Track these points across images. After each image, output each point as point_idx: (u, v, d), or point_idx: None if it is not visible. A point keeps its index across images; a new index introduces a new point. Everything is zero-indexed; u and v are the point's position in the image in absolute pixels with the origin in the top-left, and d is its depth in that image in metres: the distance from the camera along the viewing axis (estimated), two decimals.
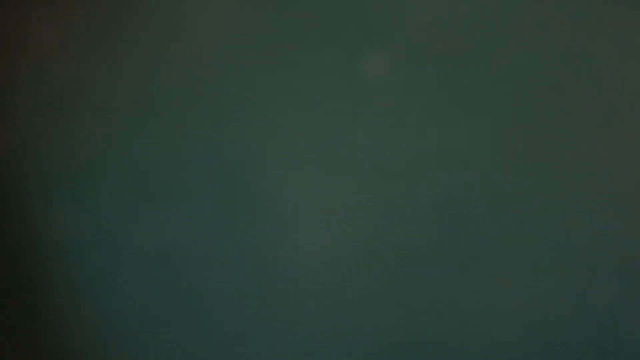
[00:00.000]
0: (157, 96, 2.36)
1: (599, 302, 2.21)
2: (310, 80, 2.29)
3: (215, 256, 2.36)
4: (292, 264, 2.33)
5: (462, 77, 2.22)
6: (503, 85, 2.20)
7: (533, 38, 2.18)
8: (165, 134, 2.36)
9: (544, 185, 2.21)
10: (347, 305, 2.32)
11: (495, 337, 2.26)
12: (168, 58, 2.34)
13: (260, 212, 2.33)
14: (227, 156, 2.33)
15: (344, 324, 2.32)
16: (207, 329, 2.38)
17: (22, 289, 2.46)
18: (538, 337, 2.24)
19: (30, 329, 2.46)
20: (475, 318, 2.26)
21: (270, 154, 2.32)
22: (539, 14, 2.18)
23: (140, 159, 2.37)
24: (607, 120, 2.17)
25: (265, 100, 2.31)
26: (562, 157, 2.19)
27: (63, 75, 2.39)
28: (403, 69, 2.24)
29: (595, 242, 2.19)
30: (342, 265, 2.31)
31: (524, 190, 2.21)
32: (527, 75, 2.19)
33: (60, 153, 2.41)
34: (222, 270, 2.36)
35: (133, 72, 2.36)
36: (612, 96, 2.16)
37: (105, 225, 2.40)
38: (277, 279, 2.34)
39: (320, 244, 2.31)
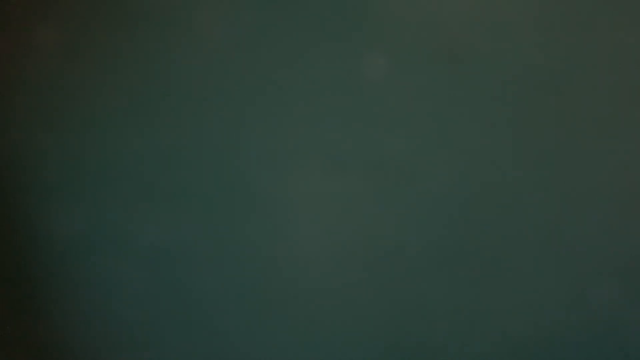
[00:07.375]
0: (156, 97, 2.36)
1: (600, 302, 2.21)
2: (310, 80, 2.29)
3: (215, 256, 2.37)
4: (292, 264, 2.33)
5: (462, 77, 2.22)
6: (504, 85, 2.20)
7: (534, 38, 2.18)
8: (165, 135, 2.36)
9: (544, 186, 2.21)
10: (347, 305, 2.32)
11: (496, 336, 2.26)
12: (167, 58, 2.35)
13: (260, 212, 2.33)
14: (226, 156, 2.34)
15: (344, 323, 2.32)
16: (206, 328, 2.39)
17: (22, 288, 2.46)
18: (539, 336, 2.24)
19: (31, 328, 2.46)
20: (476, 317, 2.26)
21: (270, 153, 2.32)
22: (541, 14, 2.18)
23: (141, 159, 2.37)
24: (607, 121, 2.17)
25: (264, 101, 2.31)
26: (562, 158, 2.19)
27: (63, 76, 2.40)
28: (404, 69, 2.24)
29: (595, 242, 2.19)
30: (342, 265, 2.31)
31: (524, 190, 2.21)
32: (528, 75, 2.19)
33: (61, 154, 2.41)
34: (222, 269, 2.36)
35: (132, 73, 2.36)
36: (613, 97, 2.16)
37: (106, 225, 2.40)
38: (276, 278, 2.34)
39: (320, 243, 2.31)
